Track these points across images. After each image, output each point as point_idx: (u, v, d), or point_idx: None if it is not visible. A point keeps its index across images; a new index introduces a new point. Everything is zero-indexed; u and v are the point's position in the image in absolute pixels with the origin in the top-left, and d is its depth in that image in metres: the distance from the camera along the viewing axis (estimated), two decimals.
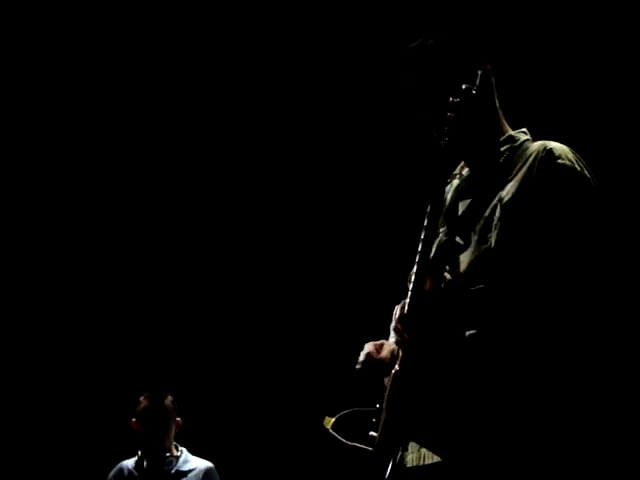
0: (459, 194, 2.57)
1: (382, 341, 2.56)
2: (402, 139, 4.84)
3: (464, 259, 2.44)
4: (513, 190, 2.42)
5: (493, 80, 2.51)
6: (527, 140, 2.54)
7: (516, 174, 2.44)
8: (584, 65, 5.02)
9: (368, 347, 2.54)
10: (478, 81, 2.39)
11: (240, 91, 6.05)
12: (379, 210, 5.80)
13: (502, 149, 2.52)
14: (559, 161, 2.41)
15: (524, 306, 2.34)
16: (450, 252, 2.46)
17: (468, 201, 2.52)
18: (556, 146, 2.45)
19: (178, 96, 6.11)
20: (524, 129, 2.59)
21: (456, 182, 2.62)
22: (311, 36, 5.79)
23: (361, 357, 2.52)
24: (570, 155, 2.44)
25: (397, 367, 2.39)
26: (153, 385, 5.22)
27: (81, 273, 6.39)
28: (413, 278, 2.39)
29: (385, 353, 2.50)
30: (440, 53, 2.52)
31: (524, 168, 2.44)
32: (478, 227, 2.44)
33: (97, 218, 6.35)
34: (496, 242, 2.40)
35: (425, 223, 2.41)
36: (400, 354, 2.40)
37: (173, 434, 5.04)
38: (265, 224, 6.22)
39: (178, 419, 5.04)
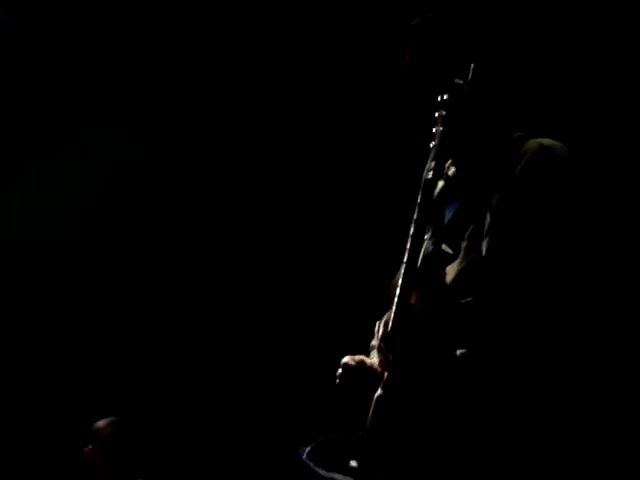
0: (445, 197, 2.36)
1: (361, 357, 2.35)
2: (390, 140, 4.57)
3: (452, 269, 2.24)
4: (505, 193, 2.21)
5: (492, 73, 2.30)
6: (520, 137, 2.32)
7: (508, 175, 2.23)
8: (582, 58, 4.78)
9: (347, 359, 2.33)
10: (470, 75, 2.19)
11: (229, 81, 5.88)
12: (362, 216, 5.48)
13: (493, 148, 2.31)
14: (555, 161, 2.21)
15: (519, 322, 2.13)
16: (437, 262, 2.25)
17: (456, 205, 2.32)
18: (552, 144, 2.25)
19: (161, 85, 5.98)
20: (517, 125, 2.37)
21: (441, 183, 2.41)
22: (302, 27, 5.60)
23: (340, 370, 2.33)
24: (568, 154, 2.24)
25: (380, 391, 2.18)
26: (106, 411, 5.00)
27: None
28: (398, 291, 2.18)
29: (366, 366, 2.31)
30: (437, 33, 2.33)
31: (516, 169, 2.23)
32: (467, 234, 2.24)
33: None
34: (487, 250, 2.19)
35: (411, 231, 2.20)
36: (384, 376, 2.19)
37: (130, 464, 4.83)
38: (237, 243, 6.02)
39: (135, 447, 4.84)
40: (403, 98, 2.34)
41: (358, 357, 2.33)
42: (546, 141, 2.25)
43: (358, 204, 5.43)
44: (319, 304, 5.60)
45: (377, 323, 2.33)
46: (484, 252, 2.20)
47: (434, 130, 2.19)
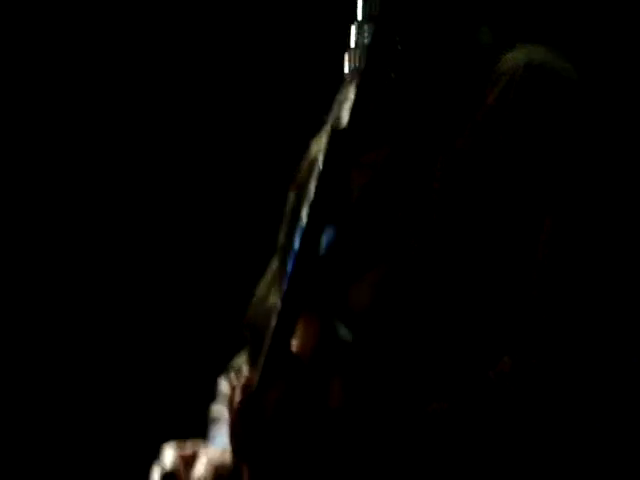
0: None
1: (192, 449, 1.46)
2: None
3: (363, 290, 1.28)
4: (462, 161, 1.24)
5: None
6: (490, 47, 1.33)
7: (472, 126, 1.26)
8: None
9: (170, 455, 1.43)
10: None
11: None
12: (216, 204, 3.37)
13: (446, 68, 1.33)
14: (558, 92, 1.24)
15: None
16: (342, 276, 1.31)
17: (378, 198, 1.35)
18: (546, 60, 1.27)
19: None
20: (485, 27, 1.36)
21: (324, 142, 1.36)
22: None
23: (156, 475, 1.43)
24: (574, 77, 1.27)
25: None
26: None
27: None
28: (272, 325, 1.24)
29: (200, 471, 1.41)
30: None
31: (483, 107, 1.26)
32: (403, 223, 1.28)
33: None
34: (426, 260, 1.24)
35: (303, 220, 1.24)
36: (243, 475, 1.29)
37: None
38: None
39: None
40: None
41: (189, 450, 1.44)
42: (536, 55, 1.28)
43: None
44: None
45: (225, 380, 1.52)
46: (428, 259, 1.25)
47: (349, 54, 1.25)
